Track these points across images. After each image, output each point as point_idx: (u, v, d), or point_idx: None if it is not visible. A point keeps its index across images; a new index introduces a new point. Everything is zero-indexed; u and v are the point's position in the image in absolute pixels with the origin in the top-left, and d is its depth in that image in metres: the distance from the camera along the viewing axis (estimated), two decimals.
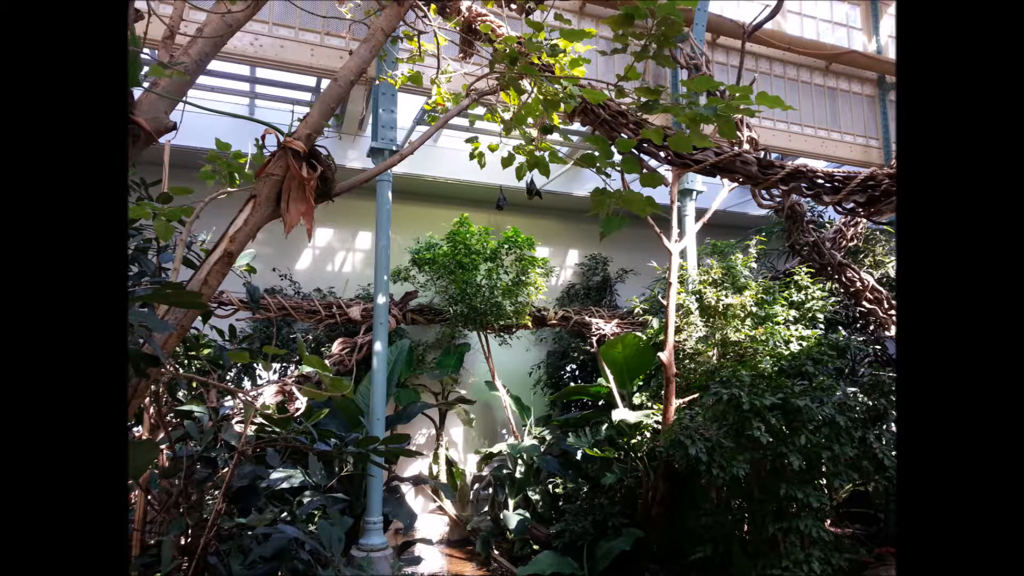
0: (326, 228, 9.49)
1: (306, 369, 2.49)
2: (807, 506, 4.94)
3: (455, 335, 8.97)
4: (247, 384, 6.36)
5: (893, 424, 5.99)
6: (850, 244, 7.97)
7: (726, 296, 6.50)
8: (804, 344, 6.18)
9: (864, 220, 7.74)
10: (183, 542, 2.78)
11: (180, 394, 3.48)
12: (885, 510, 7.01)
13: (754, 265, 7.10)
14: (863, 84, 9.34)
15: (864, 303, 7.22)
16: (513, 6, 4.29)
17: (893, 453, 5.27)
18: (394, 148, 6.23)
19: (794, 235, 7.38)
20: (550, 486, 7.52)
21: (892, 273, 8.14)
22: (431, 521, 8.63)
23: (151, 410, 3.01)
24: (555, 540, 6.32)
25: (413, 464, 9.08)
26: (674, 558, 5.85)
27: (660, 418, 6.29)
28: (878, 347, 7.63)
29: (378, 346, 6.19)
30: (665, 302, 6.31)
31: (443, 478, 8.57)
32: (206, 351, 3.15)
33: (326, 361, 5.36)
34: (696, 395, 6.27)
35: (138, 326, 1.56)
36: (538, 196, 7.11)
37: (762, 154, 4.66)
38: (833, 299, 7.13)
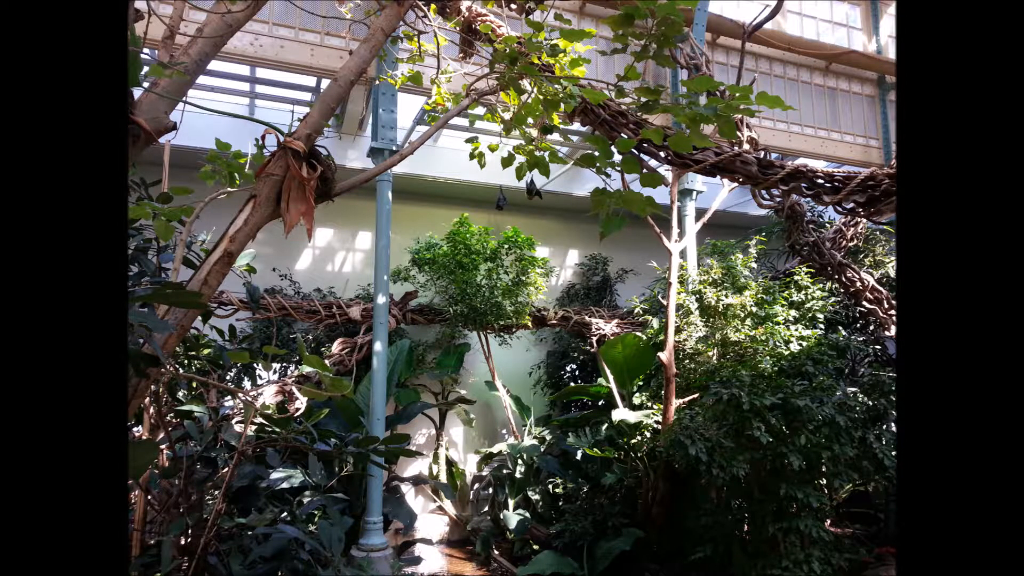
0: (326, 228, 9.49)
1: (306, 369, 2.49)
2: (807, 506, 4.94)
3: (455, 335, 8.97)
4: (247, 384, 6.38)
5: (893, 424, 5.98)
6: (850, 244, 7.98)
7: (726, 296, 6.50)
8: (804, 344, 6.18)
9: (864, 220, 7.74)
10: (183, 542, 2.78)
11: (180, 394, 3.48)
12: (885, 510, 7.02)
13: (754, 265, 7.10)
14: (863, 84, 9.34)
15: (864, 303, 7.23)
16: (513, 6, 4.29)
17: (893, 453, 5.27)
18: (394, 148, 6.23)
19: (794, 235, 7.38)
20: (550, 486, 7.52)
21: (892, 273, 8.14)
22: (431, 521, 8.63)
23: (151, 410, 3.01)
24: (555, 540, 6.32)
25: (413, 464, 9.08)
26: (674, 558, 5.84)
27: (660, 418, 6.29)
28: (878, 347, 7.64)
29: (378, 346, 6.19)
30: (665, 302, 6.31)
31: (443, 478, 8.57)
32: (206, 351, 3.15)
33: (326, 361, 5.36)
34: (696, 395, 6.27)
35: (138, 326, 1.56)
36: (538, 196, 7.12)
37: (762, 154, 4.66)
38: (833, 299, 7.13)
